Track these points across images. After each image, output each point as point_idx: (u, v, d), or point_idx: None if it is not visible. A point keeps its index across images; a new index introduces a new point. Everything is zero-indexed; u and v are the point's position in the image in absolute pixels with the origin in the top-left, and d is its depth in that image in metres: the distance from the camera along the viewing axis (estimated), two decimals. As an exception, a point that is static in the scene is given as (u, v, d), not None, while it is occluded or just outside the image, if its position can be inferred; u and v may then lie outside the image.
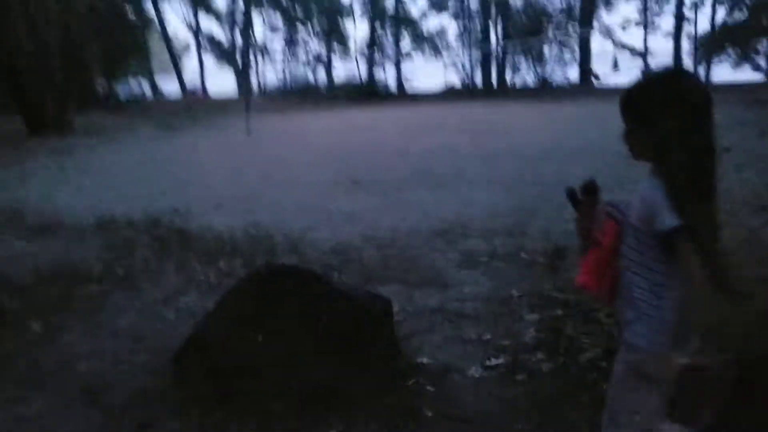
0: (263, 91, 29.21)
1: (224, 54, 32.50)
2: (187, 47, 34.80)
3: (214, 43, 32.99)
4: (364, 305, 2.99)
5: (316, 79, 29.56)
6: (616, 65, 28.41)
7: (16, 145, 13.51)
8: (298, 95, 26.76)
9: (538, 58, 27.01)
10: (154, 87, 29.20)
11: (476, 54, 27.60)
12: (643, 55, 27.63)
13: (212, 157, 11.78)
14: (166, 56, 31.12)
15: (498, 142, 12.33)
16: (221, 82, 32.11)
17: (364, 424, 2.63)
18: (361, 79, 28.03)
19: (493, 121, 16.53)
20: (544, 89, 26.24)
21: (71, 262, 5.11)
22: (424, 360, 3.22)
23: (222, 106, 24.44)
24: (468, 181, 8.67)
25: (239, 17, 30.57)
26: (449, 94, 27.08)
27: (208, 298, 4.30)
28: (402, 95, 26.75)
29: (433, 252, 5.35)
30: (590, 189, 2.01)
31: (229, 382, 2.77)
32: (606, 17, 29.96)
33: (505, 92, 27.08)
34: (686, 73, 1.98)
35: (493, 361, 3.25)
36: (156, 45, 30.51)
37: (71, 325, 3.85)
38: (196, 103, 25.59)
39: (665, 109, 1.79)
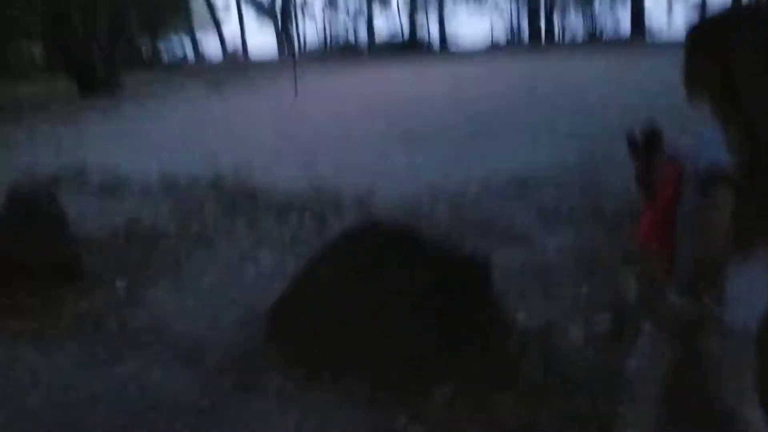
0: (304, 50, 28.90)
1: (264, 10, 32.16)
2: (227, 6, 34.60)
3: (255, 2, 32.67)
4: (464, 264, 2.85)
5: (356, 37, 29.10)
6: (670, 15, 27.19)
7: (69, 106, 13.64)
8: (339, 53, 26.40)
9: (589, 11, 25.96)
10: (195, 48, 29.17)
11: (523, 6, 26.70)
12: (702, 6, 26.30)
13: (264, 116, 11.68)
14: (207, 16, 30.96)
15: (553, 95, 11.92)
16: (260, 42, 31.93)
17: (472, 388, 2.52)
18: (403, 34, 27.45)
19: (544, 75, 15.99)
20: (594, 42, 25.29)
21: (144, 221, 5.10)
22: (522, 318, 3.08)
23: (263, 66, 24.29)
24: (530, 134, 8.39)
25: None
26: (494, 49, 26.35)
27: (285, 256, 4.25)
28: (445, 50, 26.14)
29: (508, 207, 5.17)
30: (652, 136, 1.78)
31: (331, 343, 2.68)
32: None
33: (553, 46, 26.20)
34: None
35: (596, 320, 3.10)
36: (197, 3, 30.32)
37: (155, 284, 3.82)
38: (237, 63, 25.50)
39: (743, 43, 1.58)
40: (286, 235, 4.63)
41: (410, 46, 25.51)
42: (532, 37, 27.14)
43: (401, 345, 2.63)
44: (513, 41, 27.08)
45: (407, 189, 5.83)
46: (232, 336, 3.07)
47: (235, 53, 30.02)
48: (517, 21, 27.22)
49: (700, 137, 1.67)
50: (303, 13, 30.46)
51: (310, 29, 30.51)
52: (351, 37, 29.19)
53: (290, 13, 26.18)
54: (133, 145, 9.09)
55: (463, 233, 4.53)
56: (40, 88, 16.75)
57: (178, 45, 27.07)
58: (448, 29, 27.85)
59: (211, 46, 30.63)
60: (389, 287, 2.74)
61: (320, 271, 2.87)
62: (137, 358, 2.89)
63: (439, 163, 6.91)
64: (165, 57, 25.13)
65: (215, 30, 30.85)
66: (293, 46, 27.28)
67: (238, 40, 32.07)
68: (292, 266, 4.02)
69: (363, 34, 29.16)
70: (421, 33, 27.64)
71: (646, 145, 1.79)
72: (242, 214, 5.22)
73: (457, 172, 6.41)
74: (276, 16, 31.00)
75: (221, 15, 33.52)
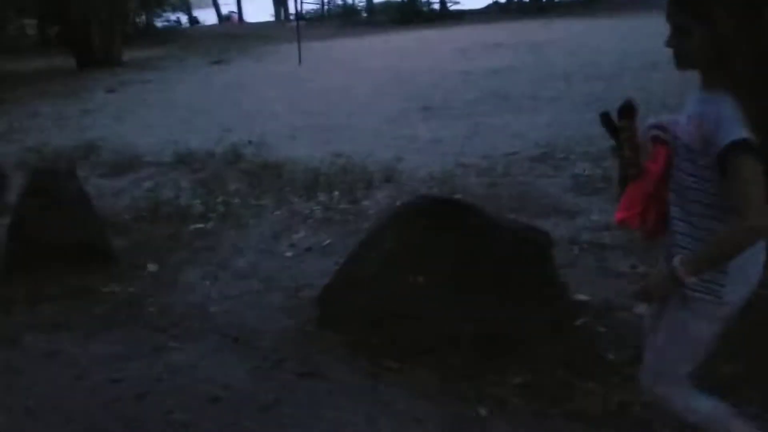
0: (301, 16, 28.28)
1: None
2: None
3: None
4: (526, 239, 2.69)
5: (354, 1, 28.45)
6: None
7: (69, 81, 13.30)
8: (337, 19, 25.84)
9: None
10: (189, 13, 28.46)
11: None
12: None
13: (270, 87, 11.39)
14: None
15: (565, 61, 11.64)
16: (256, 6, 31.20)
17: (549, 372, 2.39)
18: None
19: (552, 39, 15.62)
20: (596, 2, 24.77)
21: (166, 199, 4.92)
22: (583, 297, 2.94)
23: (260, 32, 23.79)
24: (548, 102, 8.18)
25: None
26: (496, 11, 25.82)
27: (320, 233, 4.10)
28: (445, 14, 25.53)
29: (540, 178, 5.01)
30: (628, 112, 1.68)
31: (394, 328, 2.54)
32: None
33: (554, 7, 25.67)
34: None
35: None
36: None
37: (189, 266, 3.67)
38: (234, 29, 24.96)
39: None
40: (317, 212, 4.46)
41: (410, 9, 24.87)
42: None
43: (469, 328, 2.50)
44: (515, 2, 26.51)
45: (434, 162, 5.65)
46: (281, 321, 2.94)
47: (230, 18, 29.42)
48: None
49: (693, 103, 1.61)
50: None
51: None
52: (349, 1, 28.53)
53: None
54: (141, 120, 8.85)
55: (498, 205, 4.39)
56: (38, 64, 16.35)
57: (170, 10, 26.29)
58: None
59: (205, 13, 29.95)
60: (452, 266, 2.59)
61: (376, 251, 2.72)
62: (184, 348, 2.75)
63: (462, 135, 6.71)
64: (158, 24, 24.47)
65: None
66: (288, 10, 26.60)
67: (232, 4, 31.36)
68: (328, 244, 3.91)
69: (361, -1, 28.48)
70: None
71: (623, 122, 1.69)
72: (268, 190, 5.04)
73: (482, 144, 6.23)
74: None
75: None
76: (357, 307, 2.67)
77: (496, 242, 2.67)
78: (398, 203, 3.33)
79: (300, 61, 14.37)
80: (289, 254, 3.80)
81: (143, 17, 23.47)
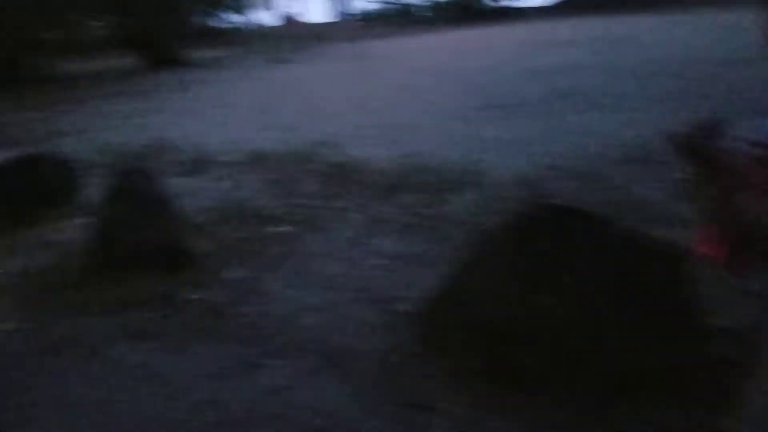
0: (357, 15, 28.22)
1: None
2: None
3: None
4: (662, 254, 2.39)
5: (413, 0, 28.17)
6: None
7: (138, 80, 13.54)
8: (396, 18, 25.63)
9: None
10: (250, 14, 28.74)
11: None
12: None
13: (333, 86, 11.29)
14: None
15: (636, 57, 11.12)
16: (315, 7, 31.30)
17: (710, 415, 2.08)
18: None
19: (621, 35, 15.03)
20: (667, -2, 23.82)
21: (242, 200, 4.80)
22: (723, 322, 2.61)
23: (319, 31, 23.81)
24: (627, 100, 7.75)
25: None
26: (557, 8, 25.14)
27: (405, 240, 3.88)
28: (506, 11, 25.03)
29: (637, 183, 4.66)
30: (710, 133, 1.27)
31: (508, 352, 2.29)
32: None
33: (621, 3, 24.82)
34: None
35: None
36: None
37: (273, 274, 3.50)
38: (294, 29, 25.07)
39: None
40: (400, 218, 4.24)
41: (468, 6, 24.47)
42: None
43: (596, 356, 2.22)
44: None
45: (515, 164, 5.36)
46: (378, 339, 2.71)
47: (290, 19, 29.58)
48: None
49: None
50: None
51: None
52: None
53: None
54: (209, 119, 8.85)
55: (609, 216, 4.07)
56: (108, 63, 16.74)
57: (233, 11, 26.56)
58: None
59: (262, 11, 30.16)
60: (578, 285, 2.32)
61: (488, 264, 2.46)
62: (279, 366, 2.55)
63: (539, 135, 6.40)
64: (221, 24, 24.77)
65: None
66: (347, 10, 26.56)
67: (291, 4, 31.53)
68: (416, 252, 3.68)
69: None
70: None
71: (704, 144, 1.31)
72: (344, 192, 4.86)
73: (564, 144, 5.89)
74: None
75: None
76: (466, 327, 2.43)
77: (628, 258, 2.38)
78: (512, 211, 3.04)
79: (361, 60, 14.25)
80: (375, 262, 3.58)
81: (207, 18, 23.79)
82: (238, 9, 26.50)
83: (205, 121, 8.64)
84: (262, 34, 25.12)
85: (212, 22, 24.20)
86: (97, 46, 21.93)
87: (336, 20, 29.27)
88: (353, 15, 28.22)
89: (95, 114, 9.85)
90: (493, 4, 25.58)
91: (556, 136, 6.36)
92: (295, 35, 23.05)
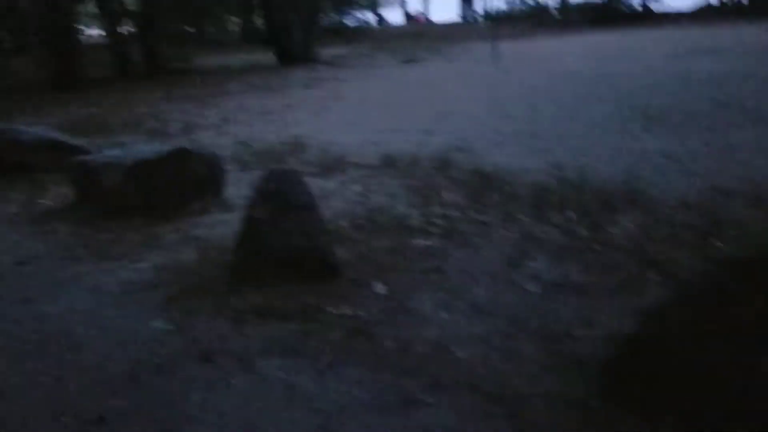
0: (490, 15, 27.67)
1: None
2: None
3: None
4: None
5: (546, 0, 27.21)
6: None
7: (271, 76, 13.87)
8: (527, 19, 24.85)
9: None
10: (377, 12, 29.01)
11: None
12: None
13: (465, 88, 10.96)
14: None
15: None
16: (442, 5, 31.12)
17: None
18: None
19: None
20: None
21: (380, 206, 4.61)
22: None
23: (449, 32, 23.55)
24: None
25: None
26: (707, 13, 23.36)
27: (564, 264, 3.50)
28: (647, 15, 23.57)
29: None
30: None
31: (722, 424, 1.90)
32: None
33: (765, 9, 22.67)
34: None
35: None
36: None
37: (418, 291, 3.26)
38: (421, 29, 24.97)
39: None
40: (555, 239, 3.87)
41: (608, 9, 23.26)
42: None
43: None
44: (732, 3, 23.82)
45: (680, 183, 4.83)
46: (546, 383, 2.39)
47: (417, 18, 29.56)
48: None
49: None
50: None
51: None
52: (540, 0, 27.33)
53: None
54: (340, 117, 8.81)
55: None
56: (241, 58, 17.38)
57: (360, 9, 26.89)
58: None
59: (390, 11, 30.36)
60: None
61: (701, 310, 2.08)
62: (439, 405, 2.29)
63: (704, 151, 5.77)
64: (348, 22, 25.13)
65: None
66: (493, 12, 26.06)
67: (418, 3, 31.52)
68: (579, 281, 3.31)
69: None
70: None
71: None
72: (489, 204, 4.55)
73: (732, 164, 5.26)
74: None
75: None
76: (669, 384, 2.06)
77: None
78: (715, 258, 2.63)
79: (495, 61, 13.82)
80: (532, 288, 3.25)
81: (335, 15, 24.23)
82: (367, 6, 26.84)
83: (337, 120, 8.61)
84: (387, 32, 25.27)
85: (340, 20, 24.64)
86: (231, 41, 22.98)
87: (461, 20, 28.90)
88: (479, 15, 27.74)
89: (230, 108, 10.12)
90: (632, 7, 24.20)
91: (722, 152, 5.72)
92: (420, 34, 22.94)
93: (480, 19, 26.67)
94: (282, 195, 3.43)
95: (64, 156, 5.32)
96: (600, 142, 6.34)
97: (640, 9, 24.14)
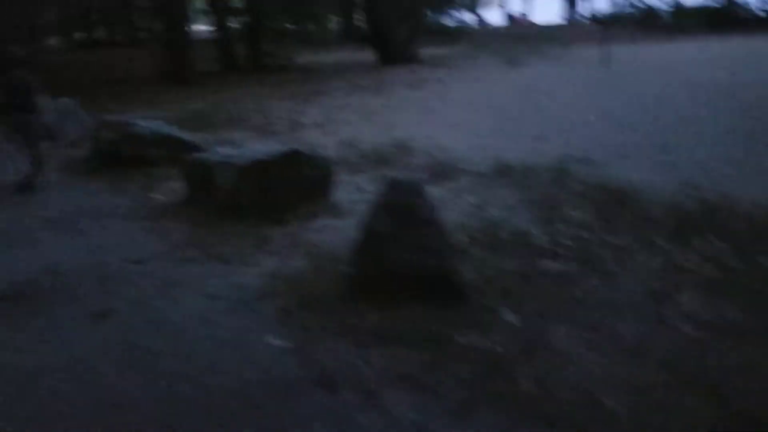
0: (596, 18, 26.56)
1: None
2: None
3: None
4: None
5: (657, 3, 25.78)
6: None
7: (372, 75, 13.79)
8: (636, 22, 23.62)
9: None
10: (476, 12, 28.49)
11: None
12: None
13: (575, 93, 10.41)
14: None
15: None
16: (543, 6, 30.19)
17: None
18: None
19: None
20: None
21: (499, 221, 4.30)
22: None
23: (551, 33, 22.73)
24: None
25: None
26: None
27: (719, 302, 3.07)
28: (765, 21, 21.84)
29: None
30: None
31: None
32: None
33: None
34: None
35: None
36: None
37: (553, 322, 2.93)
38: (522, 30, 24.26)
39: None
40: (702, 269, 3.43)
41: (727, 14, 21.73)
42: None
43: None
44: None
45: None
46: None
47: (517, 19, 28.81)
48: None
49: None
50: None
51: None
52: (652, 3, 25.91)
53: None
54: (445, 120, 8.52)
55: None
56: (342, 57, 17.43)
57: (460, 9, 26.45)
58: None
59: (490, 11, 29.74)
60: None
61: None
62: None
63: None
64: (448, 23, 24.76)
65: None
66: (604, 15, 25.01)
67: (518, 3, 30.69)
68: (739, 325, 2.88)
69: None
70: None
71: None
72: (623, 227, 4.12)
73: None
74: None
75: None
76: None
77: None
78: None
79: (604, 65, 13.13)
80: (687, 329, 2.85)
81: (437, 16, 23.96)
82: (470, 7, 26.41)
83: (443, 123, 8.32)
84: (487, 33, 24.71)
85: (442, 20, 24.34)
86: (333, 39, 23.14)
87: (566, 22, 27.90)
88: (585, 17, 26.65)
89: (333, 107, 10.04)
90: (752, 12, 22.50)
91: None
92: (522, 35, 22.28)
93: (585, 22, 25.66)
94: (404, 208, 3.19)
95: (178, 151, 5.34)
96: (729, 158, 5.75)
97: (762, 14, 22.38)
